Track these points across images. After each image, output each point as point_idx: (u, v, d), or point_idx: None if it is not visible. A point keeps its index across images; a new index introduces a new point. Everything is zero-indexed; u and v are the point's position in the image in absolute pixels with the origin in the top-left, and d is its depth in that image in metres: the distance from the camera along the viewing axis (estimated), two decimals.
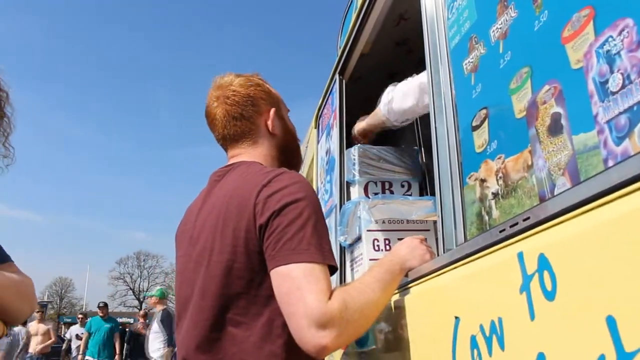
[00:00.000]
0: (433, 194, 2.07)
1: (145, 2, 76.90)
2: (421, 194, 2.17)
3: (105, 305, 10.25)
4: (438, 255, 1.28)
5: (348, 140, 2.41)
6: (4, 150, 1.36)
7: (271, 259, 1.13)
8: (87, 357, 9.49)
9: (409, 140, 2.36)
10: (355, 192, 2.14)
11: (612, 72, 0.76)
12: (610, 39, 0.76)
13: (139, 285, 56.36)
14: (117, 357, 9.73)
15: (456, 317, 1.01)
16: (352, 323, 1.07)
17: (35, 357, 9.87)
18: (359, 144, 2.18)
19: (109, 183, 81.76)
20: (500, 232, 0.93)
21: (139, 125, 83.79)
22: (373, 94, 3.04)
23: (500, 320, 0.87)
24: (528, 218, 0.85)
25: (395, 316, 1.34)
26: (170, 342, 7.16)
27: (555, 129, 0.87)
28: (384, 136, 3.04)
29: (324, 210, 1.75)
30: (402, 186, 2.16)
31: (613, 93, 0.75)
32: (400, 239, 1.93)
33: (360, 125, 2.36)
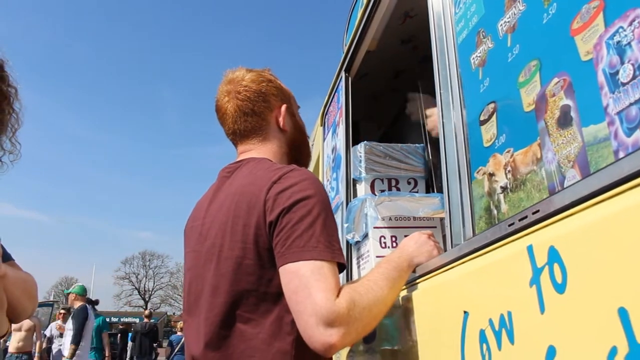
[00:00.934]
0: (440, 191, 2.06)
1: (151, 3, 77.11)
2: (427, 191, 2.16)
3: (94, 301, 8.56)
4: (445, 250, 1.28)
5: (354, 137, 2.40)
6: (10, 146, 1.36)
7: (280, 256, 1.13)
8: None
9: (415, 138, 2.36)
10: (362, 189, 2.14)
11: (622, 63, 0.75)
12: (620, 30, 0.76)
13: (145, 285, 56.53)
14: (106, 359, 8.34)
15: (465, 312, 1.01)
16: (360, 321, 1.07)
17: (15, 357, 8.27)
18: (365, 141, 2.18)
19: (115, 183, 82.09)
20: (509, 225, 0.93)
21: (145, 124, 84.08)
22: (379, 91, 3.05)
23: (509, 314, 0.87)
24: (538, 211, 0.85)
25: (403, 312, 1.33)
26: (75, 339, 6.71)
27: (564, 121, 0.87)
28: (389, 133, 3.04)
29: None
30: (409, 183, 2.16)
31: (623, 84, 0.74)
32: (406, 236, 1.93)
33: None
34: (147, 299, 55.60)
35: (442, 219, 2.00)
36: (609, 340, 0.64)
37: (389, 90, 3.03)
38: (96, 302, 8.68)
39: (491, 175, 1.10)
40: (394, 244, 1.97)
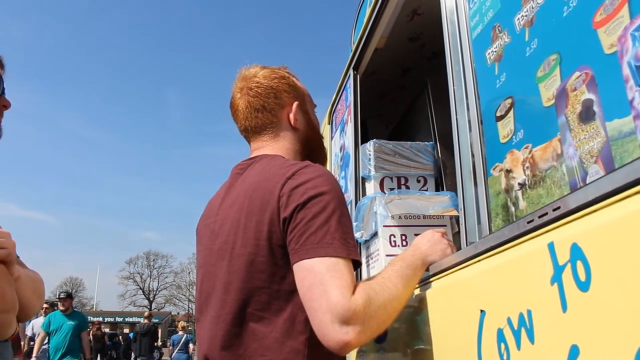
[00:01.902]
0: (449, 189, 2.05)
1: (156, 4, 77.30)
2: (437, 189, 2.15)
3: (68, 296, 7.56)
4: (460, 248, 1.26)
5: (362, 135, 2.39)
6: None
7: (294, 252, 1.11)
8: None
9: (425, 135, 2.35)
10: (371, 187, 2.13)
11: None
12: None
13: (149, 284, 56.69)
14: None
15: (481, 311, 0.99)
16: (375, 319, 1.05)
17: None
18: (375, 139, 2.16)
19: (119, 183, 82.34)
20: (528, 222, 0.91)
21: (150, 124, 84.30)
22: (386, 89, 3.03)
23: (529, 312, 0.85)
24: (558, 208, 0.83)
25: (416, 310, 1.32)
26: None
27: (586, 115, 0.85)
28: (398, 131, 3.03)
29: None
30: (418, 181, 2.15)
31: None
32: (416, 235, 1.92)
33: None
34: (151, 299, 55.75)
35: (452, 217, 1.98)
36: (636, 340, 0.62)
37: (397, 88, 3.02)
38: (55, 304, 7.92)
39: (508, 171, 1.08)
40: (404, 243, 1.95)
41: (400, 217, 1.99)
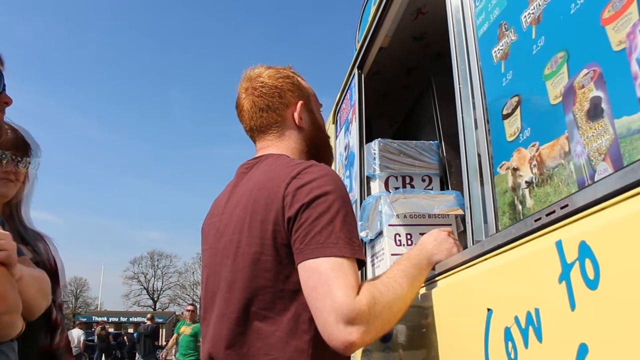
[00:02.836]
0: (454, 188, 2.04)
1: (160, 5, 77.44)
2: (442, 188, 2.14)
3: None
4: (466, 247, 1.26)
5: (367, 134, 2.39)
6: None
7: (299, 252, 1.11)
8: None
9: (429, 134, 2.34)
10: (376, 186, 2.13)
11: None
12: None
13: (153, 284, 56.77)
14: None
15: (488, 309, 0.99)
16: (380, 319, 1.05)
17: None
18: (380, 138, 2.16)
19: (123, 183, 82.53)
20: (536, 221, 0.90)
21: (155, 125, 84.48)
22: (390, 88, 3.03)
23: (537, 311, 0.84)
24: (566, 205, 0.83)
25: (422, 310, 1.31)
26: None
27: (595, 113, 0.85)
28: (402, 130, 3.02)
29: None
30: (423, 180, 2.14)
31: None
32: (422, 234, 1.91)
33: None
34: (155, 299, 55.84)
35: (457, 216, 1.98)
36: None
37: (401, 87, 3.02)
38: None
39: (515, 170, 1.08)
40: (409, 242, 1.95)
41: (405, 216, 1.99)
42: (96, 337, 18.69)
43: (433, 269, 1.28)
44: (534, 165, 1.02)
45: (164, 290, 56.86)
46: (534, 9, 1.06)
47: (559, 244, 0.80)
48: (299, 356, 1.12)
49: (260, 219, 1.18)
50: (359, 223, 2.11)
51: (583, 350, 0.73)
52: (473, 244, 1.20)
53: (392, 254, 1.90)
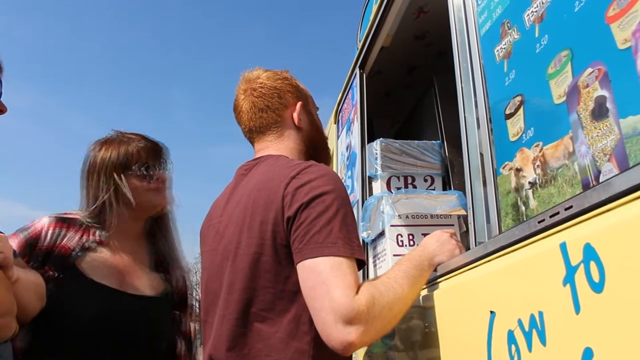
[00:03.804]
0: (457, 188, 2.03)
1: (163, 5, 77.57)
2: (444, 189, 2.13)
3: None
4: (468, 249, 1.24)
5: (369, 134, 2.38)
6: None
7: (298, 252, 1.11)
8: None
9: (431, 134, 2.33)
10: (378, 187, 2.11)
11: None
12: None
13: None
14: None
15: (491, 312, 0.98)
16: (380, 319, 1.04)
17: None
18: (381, 138, 2.15)
19: None
20: (539, 222, 0.89)
21: (156, 124, 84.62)
22: (392, 87, 3.02)
23: (540, 314, 0.83)
24: (571, 207, 0.81)
25: (424, 311, 1.30)
26: None
27: (599, 113, 0.83)
28: (404, 130, 3.01)
29: None
30: (425, 180, 2.13)
31: None
32: (424, 234, 1.90)
33: None
34: None
35: (459, 217, 1.97)
36: None
37: (403, 86, 3.00)
38: None
39: (518, 170, 1.07)
40: (411, 242, 1.94)
41: (407, 217, 1.97)
42: None
43: (435, 270, 1.27)
44: (538, 166, 1.00)
45: None
46: (537, 7, 1.04)
47: (563, 246, 0.79)
48: (299, 357, 1.12)
49: (260, 219, 1.18)
50: (360, 223, 2.10)
51: (588, 354, 0.72)
52: (475, 245, 1.19)
53: (394, 255, 1.89)
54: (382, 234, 1.99)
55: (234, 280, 1.19)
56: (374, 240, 2.09)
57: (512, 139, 1.10)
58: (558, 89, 0.95)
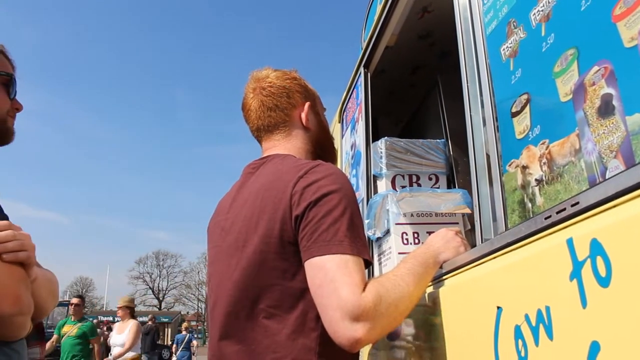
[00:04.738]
0: (461, 186, 2.04)
1: (167, 6, 77.61)
2: (449, 187, 2.14)
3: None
4: (474, 245, 1.25)
5: (374, 133, 2.39)
6: None
7: (306, 250, 1.12)
8: None
9: (436, 133, 2.34)
10: (383, 185, 2.12)
11: None
12: None
13: (159, 284, 56.97)
14: None
15: (498, 307, 0.99)
16: (386, 316, 1.06)
17: None
18: (386, 137, 2.16)
19: (130, 183, 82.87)
20: (546, 219, 0.90)
21: (161, 124, 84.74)
22: (396, 86, 3.03)
23: (547, 309, 0.84)
24: (577, 203, 0.82)
25: (429, 308, 1.31)
26: None
27: (606, 110, 0.85)
28: (408, 129, 3.02)
29: None
30: (430, 179, 2.14)
31: None
32: (429, 232, 1.91)
33: None
34: (160, 299, 56.02)
35: (464, 215, 1.98)
36: None
37: (407, 85, 3.02)
38: None
39: (525, 167, 1.08)
40: (416, 240, 1.95)
41: (412, 215, 1.98)
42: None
43: (441, 267, 1.28)
44: (544, 163, 1.01)
45: (169, 290, 57.10)
46: (543, 6, 1.05)
47: (569, 242, 0.80)
48: (306, 353, 1.13)
49: (267, 217, 1.19)
50: (365, 222, 2.11)
51: (595, 348, 0.73)
52: (482, 242, 1.20)
53: (399, 253, 1.90)
54: (387, 232, 2.00)
55: (241, 277, 1.20)
56: (379, 239, 2.10)
57: (518, 137, 1.11)
58: (564, 87, 0.96)
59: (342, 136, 3.02)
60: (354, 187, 2.49)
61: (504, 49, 1.20)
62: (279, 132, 1.42)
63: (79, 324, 6.69)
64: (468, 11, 1.42)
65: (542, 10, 1.06)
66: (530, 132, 1.07)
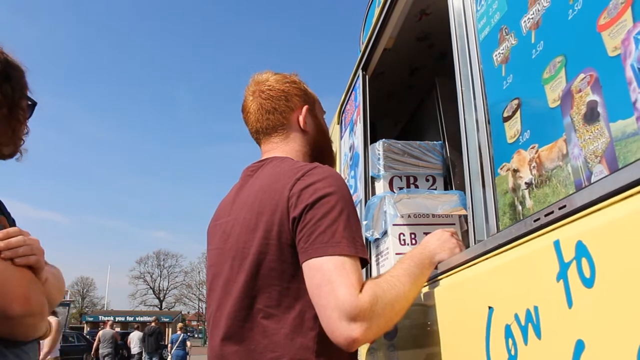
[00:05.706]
0: (458, 188, 2.06)
1: (168, 6, 77.55)
2: (446, 188, 2.16)
3: None
4: (468, 247, 1.28)
5: (371, 135, 2.41)
6: None
7: (303, 251, 1.14)
8: None
9: (433, 135, 2.36)
10: (380, 186, 2.15)
11: None
12: None
13: (159, 284, 56.98)
14: None
15: (489, 307, 1.01)
16: (383, 316, 1.08)
17: None
18: (384, 139, 2.18)
19: (131, 183, 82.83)
20: (535, 221, 0.92)
21: (162, 124, 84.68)
22: (394, 88, 3.05)
23: (536, 308, 0.87)
24: (564, 206, 0.85)
25: (425, 308, 1.34)
26: None
27: (591, 116, 0.87)
28: (406, 131, 3.04)
29: None
30: (427, 180, 2.16)
31: None
32: (426, 233, 1.93)
33: None
34: (161, 298, 56.03)
35: (460, 216, 2.00)
36: (639, 335, 0.64)
37: (405, 87, 3.03)
38: None
39: (515, 171, 1.10)
40: (413, 241, 1.97)
41: (409, 216, 2.01)
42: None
43: (436, 268, 1.30)
44: (534, 167, 1.04)
45: (170, 290, 57.13)
46: (533, 13, 1.08)
47: (557, 244, 0.82)
48: (304, 353, 1.15)
49: (265, 219, 1.21)
50: (363, 223, 2.13)
51: (580, 346, 0.75)
52: (475, 243, 1.22)
53: (397, 253, 1.93)
54: (385, 233, 2.02)
55: (240, 278, 1.22)
56: (377, 239, 2.12)
57: (509, 141, 1.14)
58: (553, 94, 0.99)
59: (341, 138, 3.04)
60: (353, 189, 2.52)
61: (496, 55, 1.23)
62: (277, 134, 1.44)
63: None
64: (462, 17, 1.45)
65: (532, 18, 1.08)
66: (520, 137, 1.10)
